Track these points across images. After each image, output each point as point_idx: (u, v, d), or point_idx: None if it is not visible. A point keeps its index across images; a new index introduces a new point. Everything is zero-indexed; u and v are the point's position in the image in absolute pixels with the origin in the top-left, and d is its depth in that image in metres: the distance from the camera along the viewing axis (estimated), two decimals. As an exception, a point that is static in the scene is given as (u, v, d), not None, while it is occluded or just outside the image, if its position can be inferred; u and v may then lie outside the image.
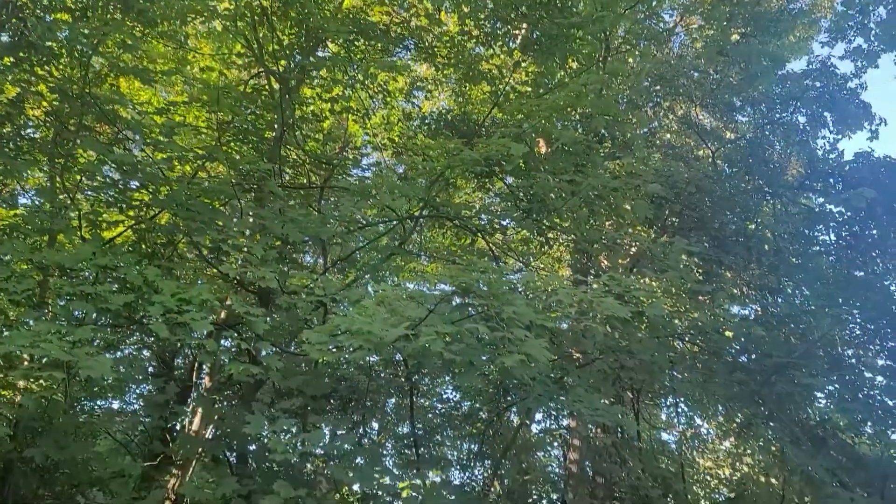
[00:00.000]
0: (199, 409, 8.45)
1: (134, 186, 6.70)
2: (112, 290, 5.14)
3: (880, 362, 9.30)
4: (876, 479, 8.01)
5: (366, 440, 10.22)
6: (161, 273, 5.42)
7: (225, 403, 7.85)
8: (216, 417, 7.48)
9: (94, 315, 5.63)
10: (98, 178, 6.77)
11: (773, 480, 12.74)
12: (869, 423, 8.74)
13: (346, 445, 6.28)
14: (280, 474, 6.29)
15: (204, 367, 9.13)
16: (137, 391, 9.39)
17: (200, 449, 7.56)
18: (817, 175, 11.11)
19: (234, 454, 7.13)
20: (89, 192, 7.24)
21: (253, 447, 7.09)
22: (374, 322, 4.52)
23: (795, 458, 8.70)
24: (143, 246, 7.04)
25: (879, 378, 8.99)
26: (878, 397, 8.95)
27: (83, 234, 6.46)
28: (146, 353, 9.99)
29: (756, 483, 13.04)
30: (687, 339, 10.48)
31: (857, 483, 7.90)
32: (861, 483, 7.98)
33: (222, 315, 7.70)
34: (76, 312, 5.87)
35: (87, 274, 5.69)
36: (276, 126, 7.90)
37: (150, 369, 9.75)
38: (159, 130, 6.57)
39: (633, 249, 11.02)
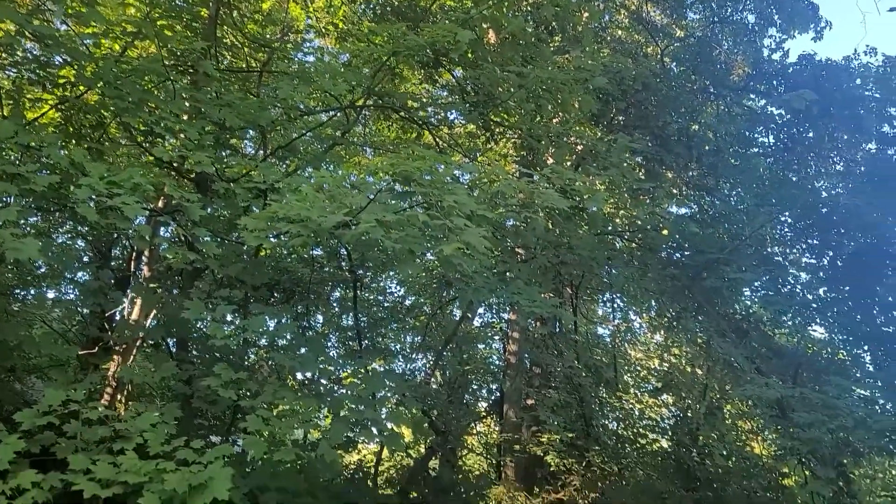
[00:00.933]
0: (139, 299, 8.36)
1: (58, 62, 6.29)
2: (37, 171, 4.91)
3: (805, 260, 9.78)
4: (791, 368, 8.56)
5: (310, 333, 10.35)
6: (90, 156, 5.18)
7: (164, 293, 7.76)
8: (156, 306, 7.41)
9: (19, 197, 5.39)
10: (18, 52, 6.31)
11: (698, 371, 13.52)
12: (789, 316, 9.26)
13: (287, 333, 6.34)
14: (221, 360, 6.32)
15: (142, 257, 8.97)
16: (74, 280, 9.18)
17: (140, 336, 7.53)
18: (762, 76, 11.22)
19: (174, 342, 7.13)
20: (10, 70, 6.78)
21: (194, 335, 7.10)
22: (312, 208, 4.45)
23: (719, 349, 9.21)
24: (70, 127, 6.70)
25: (802, 274, 9.48)
26: (800, 292, 9.46)
27: (4, 112, 6.10)
28: (81, 243, 9.74)
29: (682, 373, 13.80)
30: (626, 236, 10.76)
31: (773, 371, 8.43)
32: (777, 371, 8.51)
33: (160, 203, 7.51)
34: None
35: (9, 154, 5.41)
36: (210, 3, 7.45)
37: (86, 259, 9.53)
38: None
39: (580, 147, 11.06)
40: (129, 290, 8.63)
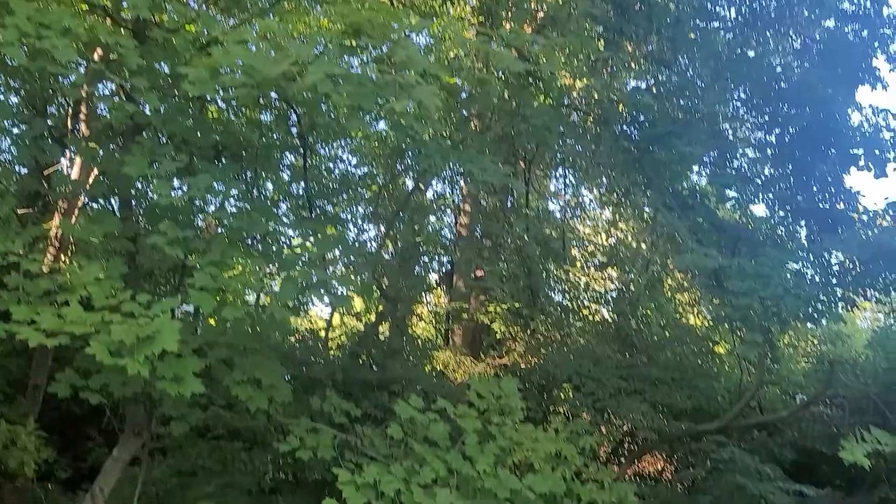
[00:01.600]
0: (78, 158, 8.05)
1: None
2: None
3: (755, 136, 9.92)
4: (730, 242, 8.85)
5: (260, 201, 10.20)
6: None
7: (104, 151, 7.47)
8: (97, 165, 7.15)
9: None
10: None
11: (642, 245, 13.93)
12: (733, 192, 9.49)
13: (234, 191, 6.23)
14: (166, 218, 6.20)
15: (80, 115, 8.56)
16: (6, 131, 8.74)
17: (81, 196, 7.32)
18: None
19: (118, 201, 6.94)
20: None
21: (138, 195, 6.92)
22: (256, 57, 4.26)
23: (664, 223, 9.46)
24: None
25: (749, 151, 9.63)
26: (746, 169, 9.66)
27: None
28: (14, 100, 9.23)
29: (627, 248, 14.22)
30: (581, 108, 10.69)
31: (713, 244, 8.71)
32: (717, 245, 8.80)
33: (95, 57, 7.08)
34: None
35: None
36: None
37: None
38: None
39: (540, 14, 10.73)
40: (67, 150, 8.30)
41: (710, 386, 10.87)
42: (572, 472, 7.26)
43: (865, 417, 8.09)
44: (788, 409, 9.97)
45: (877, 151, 8.68)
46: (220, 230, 7.98)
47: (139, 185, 6.93)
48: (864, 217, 8.66)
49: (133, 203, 6.84)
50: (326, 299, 10.60)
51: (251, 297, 10.15)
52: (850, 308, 8.42)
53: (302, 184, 10.81)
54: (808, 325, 11.74)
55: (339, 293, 5.59)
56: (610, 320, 13.29)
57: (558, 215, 15.77)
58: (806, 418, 9.88)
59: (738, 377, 10.99)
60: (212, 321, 6.16)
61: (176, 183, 5.68)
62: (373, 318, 12.70)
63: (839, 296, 7.96)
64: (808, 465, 9.99)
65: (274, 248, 6.26)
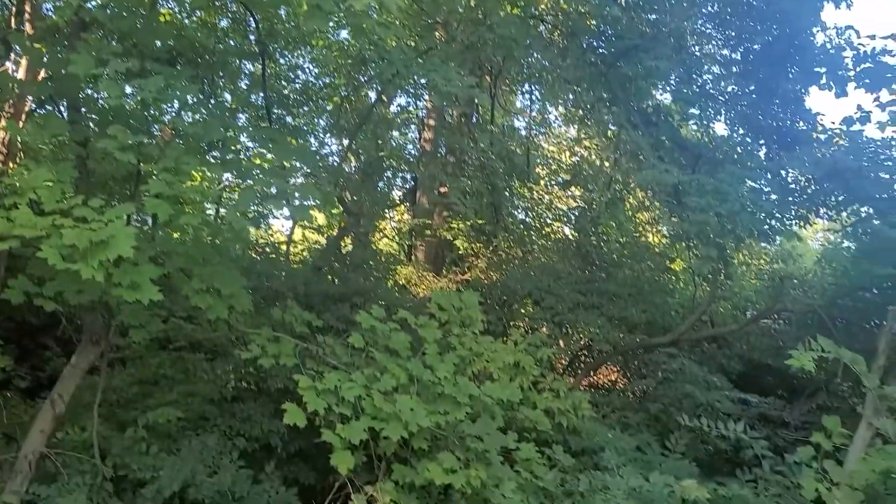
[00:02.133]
0: (24, 59, 7.64)
1: None
2: None
3: (721, 52, 9.85)
4: (692, 159, 8.93)
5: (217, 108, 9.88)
6: None
7: (50, 51, 7.10)
8: (43, 66, 6.80)
9: None
10: None
11: (605, 164, 13.98)
12: (696, 110, 9.50)
13: (189, 97, 6.00)
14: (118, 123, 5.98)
15: (24, 14, 8.09)
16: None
17: (28, 100, 7.00)
18: None
19: (66, 105, 6.66)
20: None
21: (86, 98, 6.62)
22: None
23: (628, 140, 9.46)
24: None
25: (715, 68, 9.58)
26: (710, 86, 9.63)
27: None
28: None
29: (591, 166, 14.25)
30: (548, 20, 10.45)
31: (674, 162, 8.77)
32: (678, 162, 8.87)
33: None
34: None
35: None
36: None
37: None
38: None
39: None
40: (11, 52, 7.87)
41: (665, 301, 11.18)
42: (529, 382, 7.50)
43: (810, 331, 8.40)
44: (738, 323, 10.33)
45: (839, 71, 8.71)
46: (176, 140, 7.78)
47: (89, 92, 6.65)
48: (822, 136, 8.77)
49: (82, 107, 6.56)
50: (287, 211, 10.52)
51: (211, 210, 10.03)
52: (803, 225, 8.64)
53: (261, 94, 10.51)
54: (762, 243, 12.06)
55: (300, 203, 5.51)
56: (571, 238, 13.45)
57: (523, 132, 15.67)
58: (754, 332, 10.28)
59: (692, 293, 11.31)
60: (170, 231, 6.06)
61: (129, 90, 5.46)
62: (335, 232, 12.65)
63: (793, 213, 8.14)
64: (754, 376, 10.44)
65: (231, 158, 6.12)
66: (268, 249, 10.53)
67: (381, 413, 5.36)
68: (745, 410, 9.15)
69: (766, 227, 7.98)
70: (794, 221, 8.28)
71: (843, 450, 6.73)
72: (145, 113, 5.92)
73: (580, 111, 12.84)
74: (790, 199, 8.26)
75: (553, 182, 14.83)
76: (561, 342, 10.77)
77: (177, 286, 5.53)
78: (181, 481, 5.91)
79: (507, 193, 13.55)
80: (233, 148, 6.00)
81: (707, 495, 5.51)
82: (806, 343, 4.71)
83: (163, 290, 4.78)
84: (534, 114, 15.36)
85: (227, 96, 11.40)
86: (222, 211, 9.54)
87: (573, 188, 14.15)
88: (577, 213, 13.54)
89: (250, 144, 7.06)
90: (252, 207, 8.46)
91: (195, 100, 6.11)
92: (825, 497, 5.17)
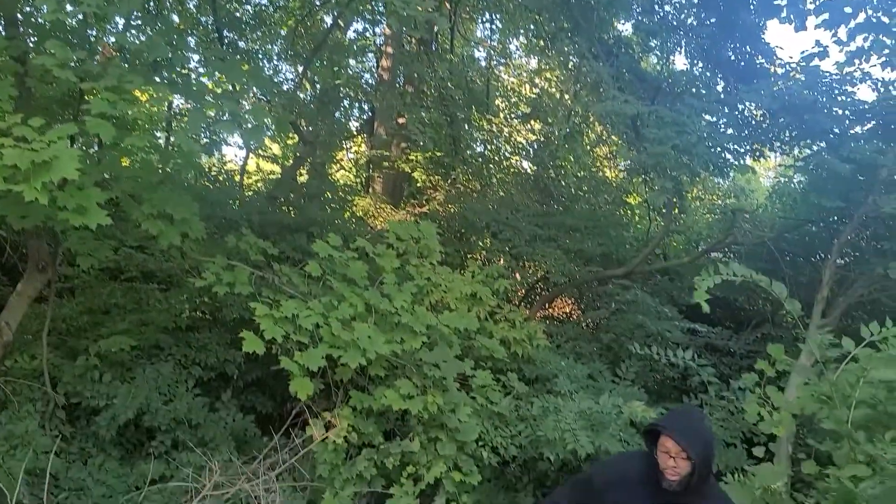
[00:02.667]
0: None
1: None
2: None
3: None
4: (651, 91, 8.91)
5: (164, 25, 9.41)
6: None
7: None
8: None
9: None
10: None
11: (565, 96, 13.89)
12: (657, 41, 9.43)
13: (135, 15, 5.70)
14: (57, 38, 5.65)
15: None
16: None
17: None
18: None
19: (2, 20, 6.25)
20: None
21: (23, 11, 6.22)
22: None
23: (589, 71, 9.37)
24: None
25: (676, -2, 9.47)
26: (671, 18, 9.54)
27: None
28: None
29: (550, 98, 14.14)
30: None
31: (634, 93, 8.74)
32: (638, 94, 8.84)
33: None
34: None
35: None
36: None
37: None
38: None
39: None
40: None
41: (621, 235, 11.34)
42: (486, 312, 7.60)
43: (759, 264, 8.63)
44: (690, 255, 10.54)
45: (799, 5, 8.70)
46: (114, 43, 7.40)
47: (28, 9, 6.26)
48: (780, 71, 8.81)
49: (20, 24, 6.18)
50: (240, 140, 10.23)
51: (161, 138, 9.69)
52: (757, 159, 8.77)
53: (211, 15, 10.03)
54: (716, 179, 12.25)
55: (253, 126, 5.33)
56: (529, 171, 13.45)
57: (483, 63, 15.41)
58: (705, 265, 10.49)
59: (647, 227, 11.47)
60: (117, 155, 5.82)
61: (69, 8, 5.14)
62: (290, 163, 12.40)
63: (748, 147, 8.24)
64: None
65: (180, 80, 5.85)
66: (221, 178, 10.25)
67: (339, 341, 5.36)
68: (694, 340, 9.46)
69: (721, 161, 8.07)
70: (748, 155, 8.38)
71: (786, 376, 7.04)
72: (87, 31, 5.61)
73: (541, 41, 12.65)
74: (746, 133, 8.33)
75: (512, 115, 14.70)
76: (517, 274, 10.89)
77: (126, 213, 5.36)
78: (136, 409, 5.89)
79: (465, 126, 13.40)
80: (181, 70, 5.73)
81: (653, 415, 5.72)
82: (714, 268, 4.81)
83: (112, 218, 4.62)
84: (494, 44, 15.09)
85: (175, 17, 10.88)
86: (173, 140, 9.24)
87: (532, 121, 14.07)
88: (535, 147, 13.50)
89: (202, 70, 6.79)
90: (204, 136, 8.22)
91: (139, 16, 5.80)
92: (766, 420, 5.37)
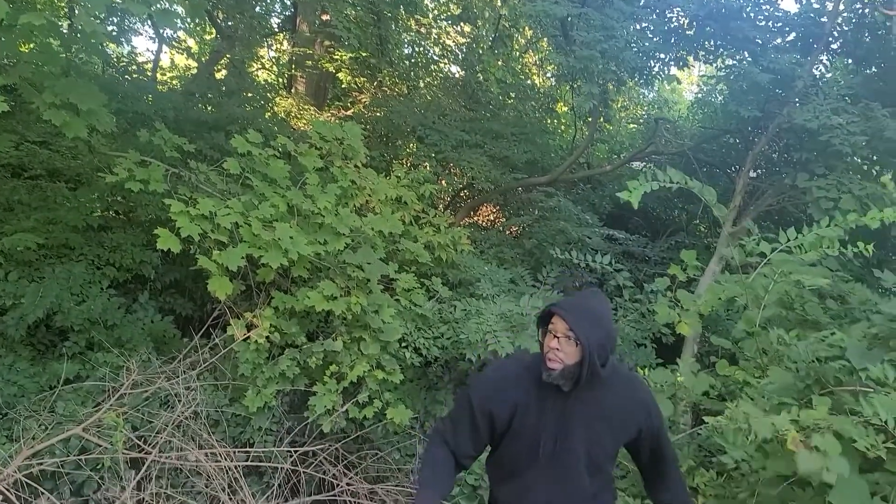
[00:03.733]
0: None
1: None
2: None
3: None
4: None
5: None
6: None
7: None
8: None
9: None
10: None
11: (497, 1, 13.52)
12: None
13: None
14: None
15: None
16: None
17: None
18: None
19: None
20: None
21: None
22: None
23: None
24: None
25: None
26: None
27: None
28: None
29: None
30: None
31: (565, -3, 8.57)
32: (569, -3, 8.67)
33: None
34: None
35: None
36: None
37: None
38: None
39: None
40: None
41: (546, 142, 11.39)
42: (411, 217, 7.58)
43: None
44: (612, 164, 10.73)
45: None
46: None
47: None
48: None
49: None
50: (150, 28, 9.57)
51: (64, 26, 8.93)
52: (682, 67, 8.85)
53: None
54: (641, 90, 12.35)
55: (163, 9, 4.95)
56: (457, 76, 13.20)
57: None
58: (627, 174, 10.73)
59: (573, 135, 11.55)
60: (15, 38, 5.34)
61: None
62: (207, 58, 11.74)
63: (673, 56, 8.29)
64: (623, 216, 11.05)
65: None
66: (132, 69, 9.60)
67: (260, 241, 5.25)
68: (612, 247, 9.76)
69: (647, 70, 8.11)
70: (673, 63, 8.45)
71: (696, 281, 7.39)
72: None
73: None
74: (672, 40, 8.36)
75: (441, 17, 14.26)
76: (443, 181, 10.85)
77: (26, 102, 4.98)
78: (45, 308, 5.68)
79: (393, 25, 12.93)
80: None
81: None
82: (651, 174, 4.93)
83: (11, 109, 4.28)
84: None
85: None
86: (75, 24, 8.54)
87: (462, 24, 13.69)
88: (464, 51, 13.21)
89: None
90: (109, 22, 7.64)
91: None
92: (676, 322, 5.63)
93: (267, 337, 5.49)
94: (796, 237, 5.03)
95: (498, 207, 12.02)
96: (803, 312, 5.01)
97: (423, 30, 13.35)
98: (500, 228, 11.11)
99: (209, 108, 9.05)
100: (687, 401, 5.95)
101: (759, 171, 9.19)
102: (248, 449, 5.24)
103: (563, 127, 13.12)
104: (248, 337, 5.43)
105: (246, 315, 5.61)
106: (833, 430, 3.24)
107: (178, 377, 5.33)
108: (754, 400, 4.40)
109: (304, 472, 5.28)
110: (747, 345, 4.99)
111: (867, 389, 3.60)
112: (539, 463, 2.46)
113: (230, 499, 4.74)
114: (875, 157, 7.03)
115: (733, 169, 9.77)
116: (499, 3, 12.96)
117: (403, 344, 6.16)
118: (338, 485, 5.28)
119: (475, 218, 11.88)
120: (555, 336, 2.35)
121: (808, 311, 4.96)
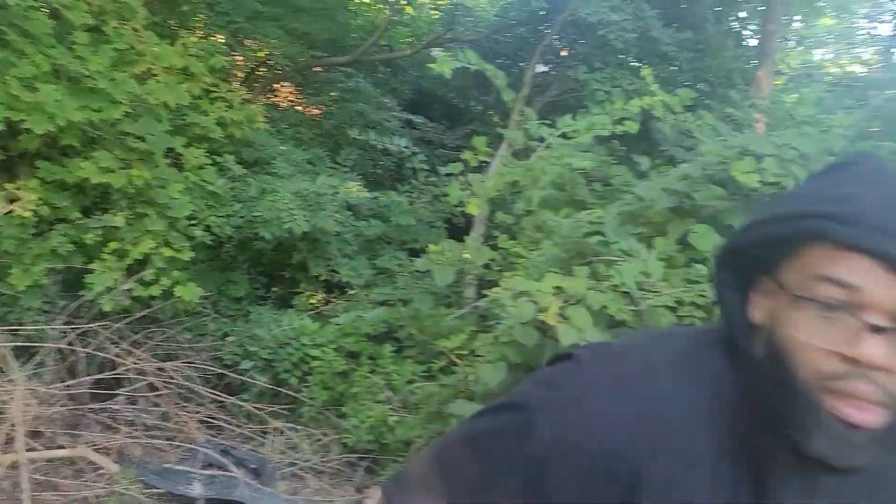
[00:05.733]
0: None
1: None
2: None
3: None
4: None
5: None
6: None
7: None
8: None
9: None
10: None
11: None
12: None
13: None
14: None
15: None
16: None
17: None
18: None
19: None
20: None
21: None
22: None
23: None
24: None
25: None
26: None
27: None
28: None
29: None
30: None
31: None
32: None
33: None
34: None
35: None
36: None
37: None
38: None
39: None
40: None
41: (348, 21, 11.05)
42: (201, 90, 7.11)
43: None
44: (413, 48, 10.72)
45: None
46: None
47: None
48: None
49: None
50: None
51: None
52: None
53: None
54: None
55: None
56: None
57: None
58: (426, 59, 10.79)
59: (374, 16, 11.31)
60: None
61: None
62: None
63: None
64: (423, 102, 11.16)
65: None
66: None
67: (20, 103, 4.69)
68: (410, 132, 9.90)
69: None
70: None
71: (486, 166, 7.81)
72: None
73: None
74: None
75: None
76: (240, 57, 10.20)
77: None
78: None
79: None
80: None
81: (366, 194, 6.05)
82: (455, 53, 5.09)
83: None
84: None
85: None
86: None
87: None
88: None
89: None
90: None
91: None
92: (465, 203, 5.98)
93: (35, 211, 5.01)
94: (572, 123, 5.50)
95: (297, 88, 11.61)
96: (573, 193, 5.54)
97: None
98: (300, 109, 10.80)
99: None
100: (473, 274, 6.44)
101: (549, 65, 9.69)
102: (16, 327, 4.87)
103: (365, 6, 12.75)
104: (12, 210, 4.92)
105: (7, 187, 5.05)
106: (586, 304, 3.72)
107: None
108: (528, 269, 4.88)
109: (83, 353, 5.03)
110: (525, 221, 5.47)
111: (618, 258, 4.13)
112: None
113: (-2, 382, 4.41)
114: (641, 55, 7.70)
115: (526, 62, 10.18)
116: None
117: (193, 221, 5.94)
118: (122, 364, 5.11)
119: (274, 99, 11.39)
120: (870, 328, 0.75)
121: (577, 192, 5.51)
